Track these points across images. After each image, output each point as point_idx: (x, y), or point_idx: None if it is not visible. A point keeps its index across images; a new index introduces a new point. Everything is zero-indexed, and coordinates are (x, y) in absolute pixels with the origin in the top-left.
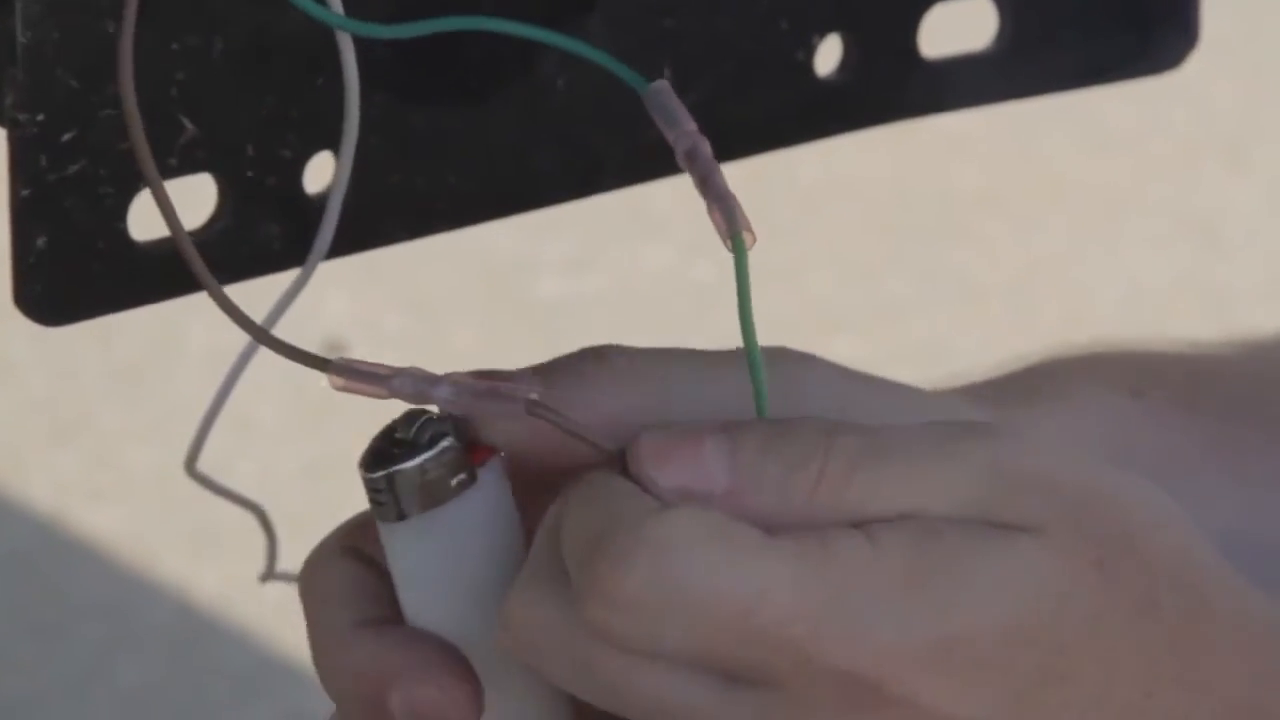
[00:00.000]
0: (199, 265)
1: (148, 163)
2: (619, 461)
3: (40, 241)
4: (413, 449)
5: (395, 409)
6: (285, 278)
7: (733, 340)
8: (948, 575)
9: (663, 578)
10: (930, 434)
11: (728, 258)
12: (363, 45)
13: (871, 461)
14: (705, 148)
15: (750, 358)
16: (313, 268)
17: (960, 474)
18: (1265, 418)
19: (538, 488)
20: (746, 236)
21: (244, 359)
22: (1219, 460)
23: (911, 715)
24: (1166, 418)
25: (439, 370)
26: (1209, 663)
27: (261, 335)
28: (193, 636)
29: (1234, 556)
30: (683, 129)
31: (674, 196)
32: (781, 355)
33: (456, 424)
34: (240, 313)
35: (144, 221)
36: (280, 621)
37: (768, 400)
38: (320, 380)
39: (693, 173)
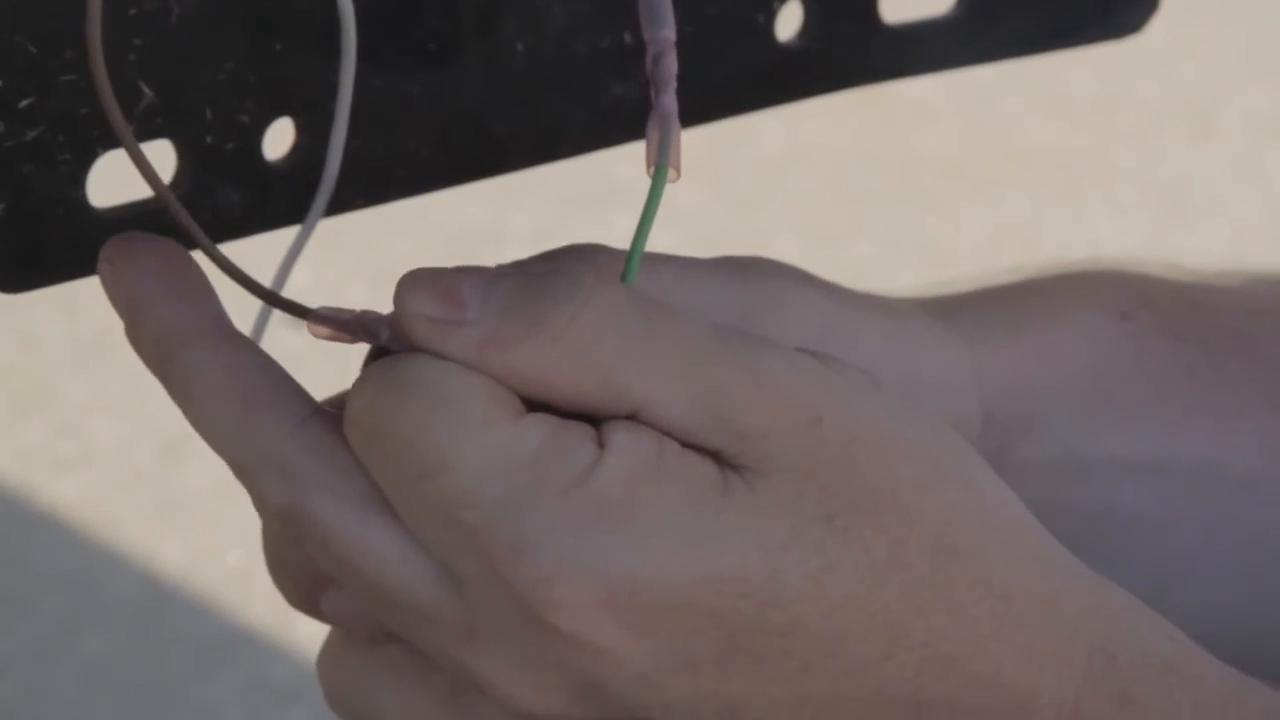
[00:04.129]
0: (185, 217)
1: (120, 123)
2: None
3: None
4: None
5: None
6: (256, 245)
7: None
8: (651, 519)
9: (377, 409)
10: (700, 337)
11: (693, 228)
12: (323, 8)
13: (629, 331)
14: (672, 61)
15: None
16: (311, 228)
17: (703, 400)
18: (1249, 349)
19: None
20: (670, 172)
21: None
22: (1197, 388)
23: (594, 659)
24: (1151, 342)
25: None
26: (965, 634)
27: (256, 288)
28: (157, 606)
29: (1199, 486)
30: (659, 33)
31: (640, 165)
32: (759, 269)
33: None
34: (234, 267)
35: (103, 188)
36: (244, 591)
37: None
38: (287, 345)
39: (651, 79)
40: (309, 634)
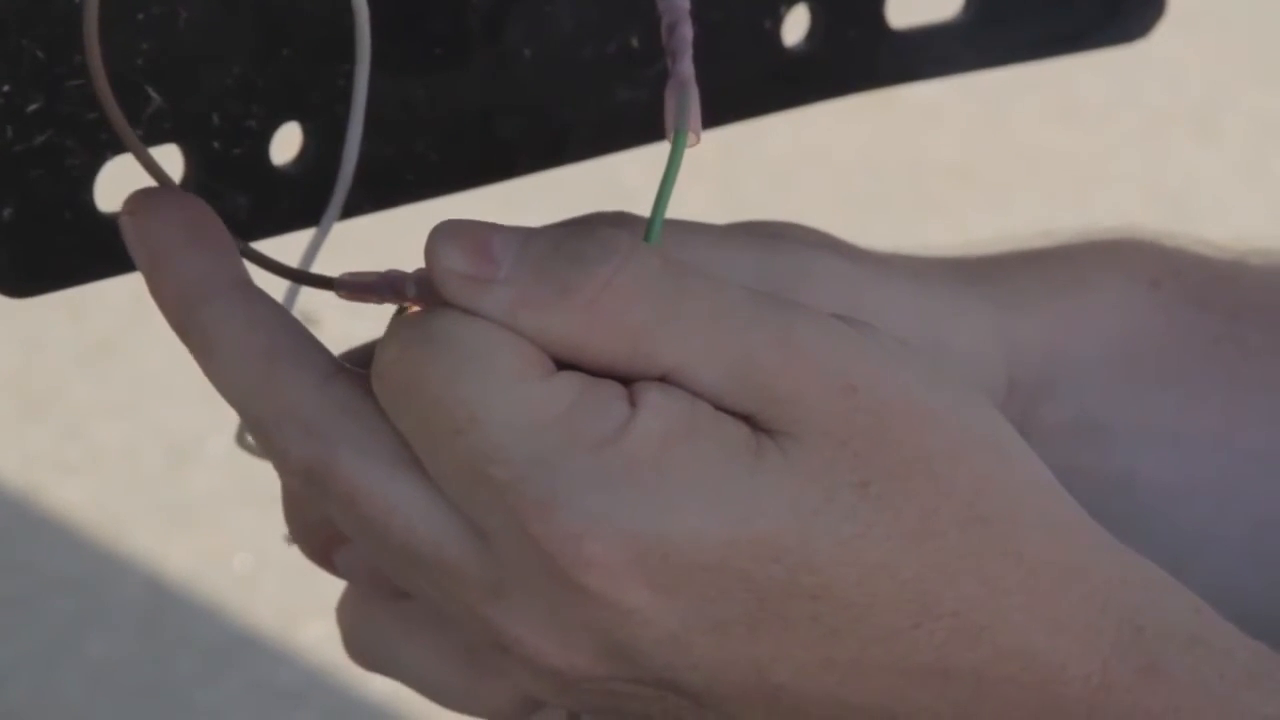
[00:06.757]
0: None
1: (121, 123)
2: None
3: (6, 213)
4: None
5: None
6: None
7: None
8: (683, 479)
9: (406, 363)
10: (732, 303)
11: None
12: (330, 13)
13: (661, 297)
14: (687, 29)
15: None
16: (326, 231)
17: (734, 366)
18: (1273, 324)
19: None
20: (690, 136)
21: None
22: (1219, 359)
23: (622, 619)
24: (1178, 312)
25: None
26: (994, 604)
27: (271, 264)
28: (162, 610)
29: (1216, 458)
30: (673, 2)
31: (645, 169)
32: (787, 238)
33: None
34: (252, 250)
35: (111, 192)
36: (250, 594)
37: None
38: None
39: (667, 48)
40: (314, 637)
